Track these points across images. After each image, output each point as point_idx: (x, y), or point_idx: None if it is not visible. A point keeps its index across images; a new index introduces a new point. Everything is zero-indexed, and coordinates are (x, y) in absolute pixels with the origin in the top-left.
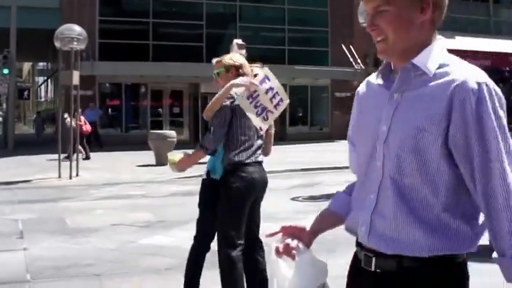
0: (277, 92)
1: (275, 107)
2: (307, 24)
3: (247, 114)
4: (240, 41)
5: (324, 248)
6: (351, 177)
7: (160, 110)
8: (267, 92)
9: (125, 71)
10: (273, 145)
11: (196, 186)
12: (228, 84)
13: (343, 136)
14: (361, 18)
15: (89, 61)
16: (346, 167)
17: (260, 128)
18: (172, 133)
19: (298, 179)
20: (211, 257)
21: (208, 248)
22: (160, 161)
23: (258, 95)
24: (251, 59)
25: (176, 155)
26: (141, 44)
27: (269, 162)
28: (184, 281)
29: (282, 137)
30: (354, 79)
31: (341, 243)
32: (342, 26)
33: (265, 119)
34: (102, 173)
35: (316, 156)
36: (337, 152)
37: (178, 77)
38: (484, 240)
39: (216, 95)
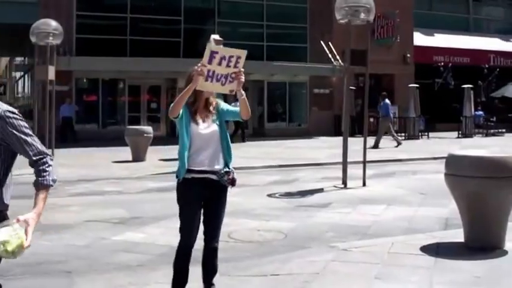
0: (230, 56)
1: (235, 66)
2: (285, 20)
3: (213, 93)
4: (217, 37)
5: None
6: (328, 174)
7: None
8: (220, 63)
9: (103, 66)
10: (251, 141)
11: (172, 183)
12: (188, 86)
13: (321, 132)
14: (339, 14)
15: (65, 56)
16: (324, 163)
17: (231, 91)
18: (149, 129)
19: (276, 176)
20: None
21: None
22: (137, 157)
23: (214, 71)
24: None
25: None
26: (119, 39)
27: (247, 158)
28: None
29: (260, 132)
30: (333, 75)
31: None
32: (321, 22)
33: (231, 81)
34: (78, 169)
35: (294, 153)
36: (315, 148)
37: (156, 72)
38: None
39: (178, 96)
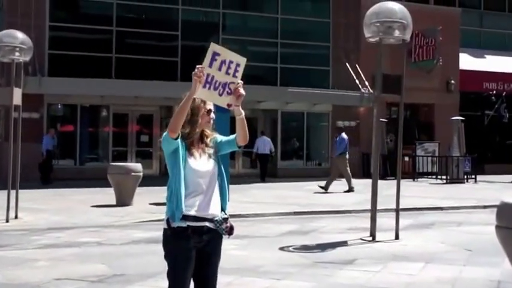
0: (230, 61)
1: (234, 75)
2: (304, 38)
3: (210, 101)
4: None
5: None
6: (353, 224)
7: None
8: (220, 68)
9: (81, 90)
10: (261, 182)
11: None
12: (188, 94)
13: None
14: (368, 31)
15: (35, 76)
16: (349, 211)
17: (228, 104)
18: (137, 166)
19: (290, 224)
20: None
21: None
22: (122, 201)
23: (213, 76)
24: None
25: None
26: (102, 57)
27: (256, 202)
28: None
29: (272, 173)
30: (360, 105)
31: None
32: (347, 40)
33: (229, 93)
34: (49, 214)
35: (312, 197)
36: (338, 192)
37: (148, 98)
38: None
39: (177, 109)
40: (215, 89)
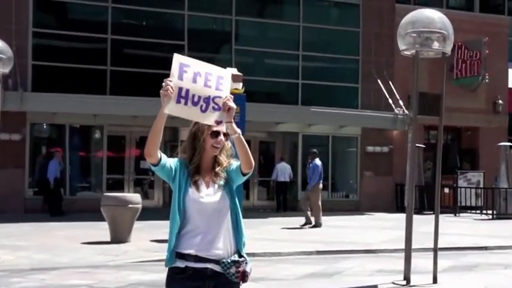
0: (207, 73)
1: (217, 88)
2: (329, 50)
3: (189, 119)
4: (235, 71)
5: None
6: (385, 265)
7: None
8: (194, 80)
9: (71, 108)
10: (278, 216)
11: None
12: (159, 113)
13: (376, 207)
14: (403, 43)
15: (17, 91)
16: (380, 250)
17: (216, 121)
18: (135, 197)
19: (312, 265)
20: None
21: None
22: (118, 237)
23: (188, 89)
24: (251, 96)
25: None
26: (95, 70)
27: (272, 240)
28: None
29: (291, 205)
30: (394, 128)
31: None
32: (378, 53)
33: (216, 108)
34: (31, 252)
35: (338, 234)
36: (367, 228)
37: (148, 117)
38: None
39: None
40: (194, 104)
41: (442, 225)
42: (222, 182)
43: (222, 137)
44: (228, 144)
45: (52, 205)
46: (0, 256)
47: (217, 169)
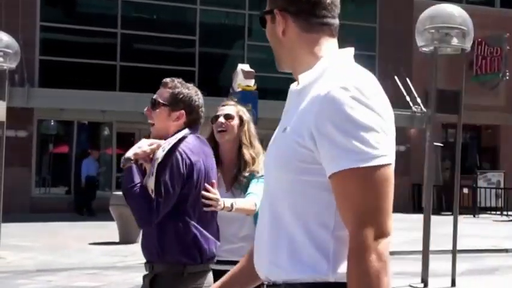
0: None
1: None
2: (345, 45)
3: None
4: (247, 67)
5: None
6: (401, 268)
7: None
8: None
9: (79, 104)
10: None
11: None
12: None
13: (392, 207)
14: (421, 39)
15: (23, 87)
16: (397, 252)
17: (151, 190)
18: None
19: None
20: None
21: None
22: (127, 237)
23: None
24: (264, 92)
25: None
26: (104, 65)
27: None
28: None
29: None
30: (411, 126)
31: None
32: (395, 49)
33: (152, 174)
34: (38, 253)
35: None
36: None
37: None
38: None
39: None
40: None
41: (461, 226)
42: (242, 188)
43: (222, 119)
44: (247, 124)
45: (80, 204)
46: (6, 257)
47: (244, 173)
